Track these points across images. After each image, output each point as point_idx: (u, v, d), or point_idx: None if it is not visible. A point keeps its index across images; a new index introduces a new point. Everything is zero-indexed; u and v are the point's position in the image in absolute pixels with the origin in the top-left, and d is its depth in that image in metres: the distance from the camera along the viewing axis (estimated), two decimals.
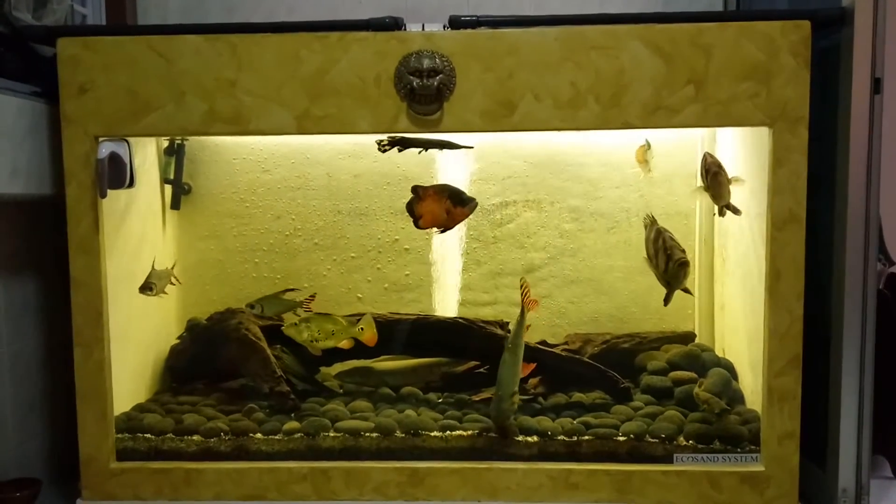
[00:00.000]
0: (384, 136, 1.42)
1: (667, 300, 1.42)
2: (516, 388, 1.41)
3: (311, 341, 1.44)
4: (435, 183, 1.52)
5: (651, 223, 1.48)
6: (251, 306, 1.50)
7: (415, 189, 1.45)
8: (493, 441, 1.39)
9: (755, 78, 1.27)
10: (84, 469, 1.37)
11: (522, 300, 1.44)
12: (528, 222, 1.70)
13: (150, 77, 1.31)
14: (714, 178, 1.39)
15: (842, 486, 1.33)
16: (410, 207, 1.45)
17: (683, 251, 1.41)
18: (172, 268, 1.59)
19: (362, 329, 1.45)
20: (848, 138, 1.29)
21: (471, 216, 1.66)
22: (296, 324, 1.45)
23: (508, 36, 1.29)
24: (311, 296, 1.52)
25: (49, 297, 1.50)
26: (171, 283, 1.57)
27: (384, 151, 1.45)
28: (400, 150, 1.44)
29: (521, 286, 1.45)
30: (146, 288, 1.49)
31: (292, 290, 1.54)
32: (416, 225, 1.45)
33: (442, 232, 1.48)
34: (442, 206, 1.44)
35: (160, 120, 1.32)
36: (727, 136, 1.54)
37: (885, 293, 1.45)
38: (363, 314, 1.55)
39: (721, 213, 1.42)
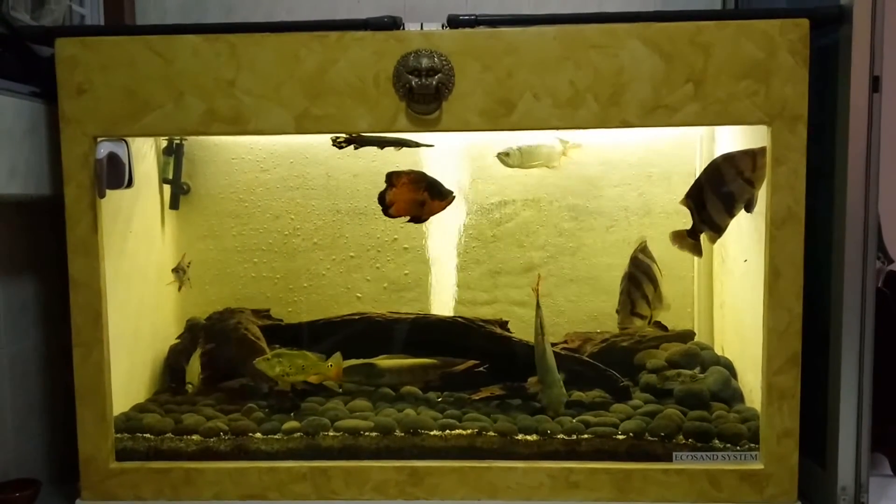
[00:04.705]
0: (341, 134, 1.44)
1: None
2: (558, 375, 1.43)
3: (283, 375, 1.47)
4: (412, 170, 1.50)
5: (635, 265, 1.47)
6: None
7: (388, 177, 1.44)
8: (493, 440, 1.39)
9: (754, 76, 1.27)
10: (83, 469, 1.37)
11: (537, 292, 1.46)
12: (528, 221, 1.70)
13: (149, 77, 1.31)
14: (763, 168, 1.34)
15: (841, 484, 1.33)
16: (382, 196, 1.44)
17: (641, 315, 1.42)
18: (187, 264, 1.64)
19: (331, 365, 1.48)
20: (847, 136, 1.29)
21: (468, 215, 1.66)
22: (268, 359, 1.47)
23: (507, 35, 1.29)
24: None
25: (48, 298, 1.50)
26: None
27: (340, 148, 1.47)
28: (356, 148, 1.46)
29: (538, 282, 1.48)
30: (179, 270, 1.56)
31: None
32: (387, 213, 1.45)
33: (410, 221, 1.47)
34: (418, 196, 1.44)
35: (159, 120, 1.32)
36: (725, 135, 1.54)
37: (884, 291, 1.45)
38: (363, 313, 1.56)
39: (751, 208, 1.38)
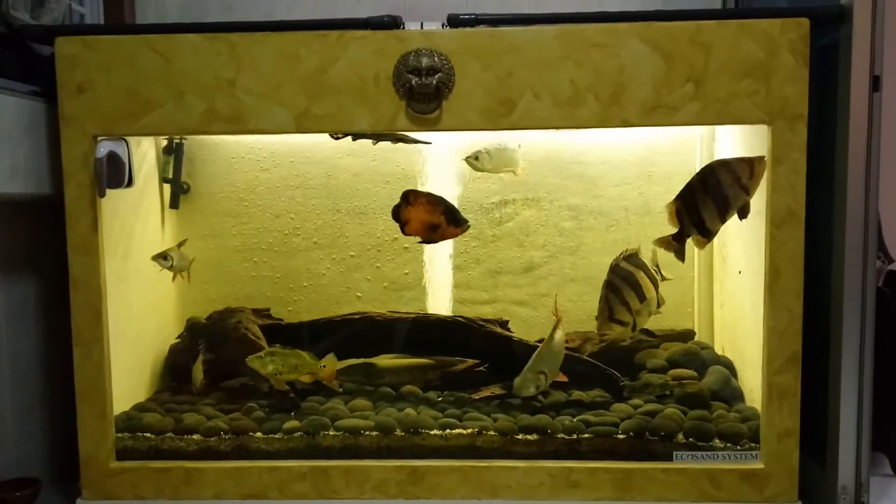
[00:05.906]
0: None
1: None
2: (544, 370, 1.43)
3: (276, 374, 1.46)
4: (429, 190, 1.51)
5: (614, 272, 1.47)
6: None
7: (405, 195, 1.45)
8: (493, 439, 1.39)
9: (754, 76, 1.27)
10: (84, 468, 1.37)
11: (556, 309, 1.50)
12: (528, 220, 1.70)
13: (149, 76, 1.31)
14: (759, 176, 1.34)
15: (841, 484, 1.33)
16: (397, 211, 1.45)
17: (621, 322, 1.43)
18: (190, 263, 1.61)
19: (324, 366, 1.47)
20: (847, 136, 1.29)
21: (468, 215, 1.66)
22: (261, 357, 1.47)
23: (507, 34, 1.29)
24: None
25: (48, 297, 1.50)
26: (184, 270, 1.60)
27: (337, 139, 1.49)
28: (354, 139, 1.48)
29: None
30: (162, 257, 1.53)
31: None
32: (402, 231, 1.45)
33: (421, 242, 1.48)
34: (434, 219, 1.44)
35: (159, 119, 1.32)
36: (726, 134, 1.54)
37: (884, 291, 1.45)
38: (363, 313, 1.55)
39: (744, 214, 1.37)
